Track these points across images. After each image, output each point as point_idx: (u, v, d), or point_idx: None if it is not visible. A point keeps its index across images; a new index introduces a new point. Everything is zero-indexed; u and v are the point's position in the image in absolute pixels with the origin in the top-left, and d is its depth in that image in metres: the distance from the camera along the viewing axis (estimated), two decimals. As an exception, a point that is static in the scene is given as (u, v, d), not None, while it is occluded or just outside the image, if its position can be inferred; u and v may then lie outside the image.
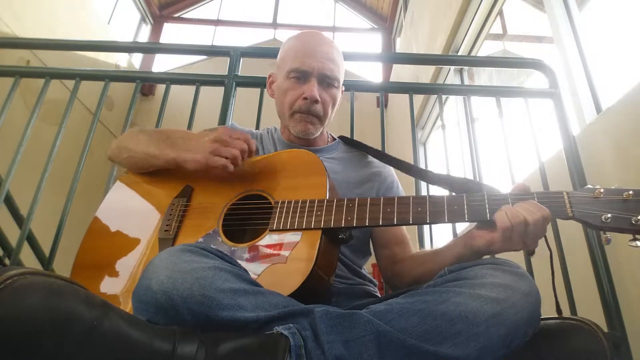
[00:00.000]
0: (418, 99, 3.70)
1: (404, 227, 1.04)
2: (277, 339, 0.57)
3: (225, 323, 0.60)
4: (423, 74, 3.87)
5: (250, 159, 1.00)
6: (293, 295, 0.70)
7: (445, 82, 3.41)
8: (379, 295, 0.99)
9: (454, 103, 3.17)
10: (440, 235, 3.02)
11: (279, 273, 0.75)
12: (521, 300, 0.63)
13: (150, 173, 1.01)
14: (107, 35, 5.16)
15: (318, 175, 0.87)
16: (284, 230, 0.81)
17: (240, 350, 0.56)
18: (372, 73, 6.55)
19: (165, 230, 0.90)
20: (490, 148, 2.22)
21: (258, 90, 1.53)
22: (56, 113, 1.82)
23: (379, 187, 1.07)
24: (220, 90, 1.54)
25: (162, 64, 6.44)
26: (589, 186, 0.72)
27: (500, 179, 2.33)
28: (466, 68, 3.24)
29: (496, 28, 2.89)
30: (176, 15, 7.04)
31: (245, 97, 1.71)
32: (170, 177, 0.99)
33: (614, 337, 1.13)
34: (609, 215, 0.67)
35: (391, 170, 1.13)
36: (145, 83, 1.93)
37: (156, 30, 6.78)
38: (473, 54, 3.02)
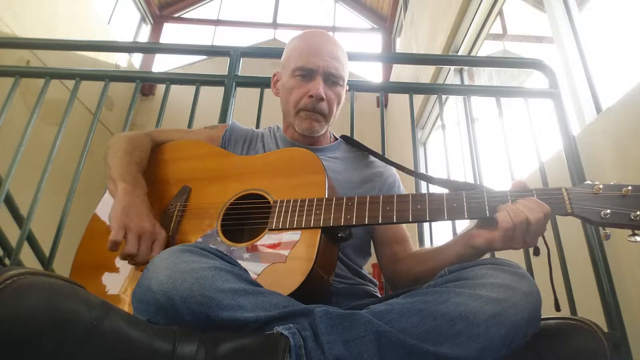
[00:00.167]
0: (418, 99, 3.70)
1: (404, 225, 1.04)
2: (277, 339, 0.57)
3: (225, 323, 0.60)
4: (423, 74, 3.87)
5: (250, 158, 1.00)
6: (293, 294, 0.71)
7: (445, 82, 3.41)
8: (379, 296, 0.99)
9: (454, 103, 3.17)
10: (441, 234, 3.02)
11: (279, 272, 0.75)
12: (522, 301, 0.62)
13: (148, 173, 1.01)
14: (107, 35, 5.16)
15: (317, 174, 0.87)
16: (283, 229, 0.81)
17: (240, 350, 0.56)
18: (372, 73, 6.56)
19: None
20: (490, 148, 2.22)
21: (258, 90, 1.53)
22: (56, 113, 1.82)
23: (380, 187, 1.07)
24: (220, 90, 1.54)
25: (162, 64, 6.44)
26: (588, 182, 0.72)
27: (500, 179, 2.33)
28: (466, 68, 3.24)
29: (496, 28, 2.89)
30: (176, 15, 7.04)
31: (245, 97, 1.71)
32: (169, 178, 0.99)
33: (614, 337, 1.13)
34: (608, 210, 0.67)
35: (393, 170, 1.13)
36: (145, 83, 1.93)
37: (156, 30, 6.78)
38: (473, 54, 3.02)
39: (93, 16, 4.97)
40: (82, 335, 0.50)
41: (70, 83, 1.59)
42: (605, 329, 1.14)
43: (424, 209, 0.76)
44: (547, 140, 1.74)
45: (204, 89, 1.59)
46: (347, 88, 1.13)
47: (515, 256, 0.83)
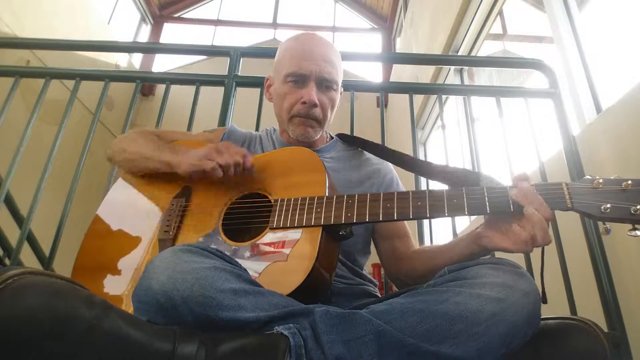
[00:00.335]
0: (418, 99, 3.70)
1: (406, 221, 1.04)
2: (277, 339, 0.57)
3: (225, 323, 0.60)
4: (423, 74, 3.87)
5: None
6: (294, 293, 0.71)
7: (445, 82, 3.41)
8: (379, 295, 0.99)
9: (454, 103, 3.17)
10: (440, 230, 3.02)
11: (280, 271, 0.75)
12: (521, 300, 0.62)
13: (149, 174, 1.01)
14: (107, 35, 5.16)
15: (317, 172, 0.87)
16: (284, 228, 0.81)
17: (240, 350, 0.56)
18: (372, 73, 6.56)
19: (165, 231, 0.90)
20: (490, 148, 2.22)
21: (258, 90, 1.53)
22: (56, 113, 1.82)
23: (379, 185, 1.07)
24: (220, 90, 1.54)
25: (162, 64, 6.44)
26: (588, 177, 0.71)
27: (500, 179, 2.33)
28: (466, 68, 3.24)
29: (496, 28, 2.89)
30: (176, 15, 7.04)
31: (245, 97, 1.71)
32: (170, 178, 0.99)
33: (614, 337, 1.13)
34: (608, 205, 0.66)
35: (390, 166, 1.13)
36: (145, 83, 1.93)
37: (156, 30, 6.78)
38: (473, 53, 3.02)
39: (93, 16, 4.97)
40: (82, 335, 0.50)
41: (70, 83, 1.59)
42: (605, 329, 1.14)
43: (424, 206, 0.76)
44: (547, 140, 1.74)
45: (204, 89, 1.59)
46: (342, 90, 1.13)
47: (515, 256, 0.83)
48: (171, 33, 6.87)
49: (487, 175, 0.85)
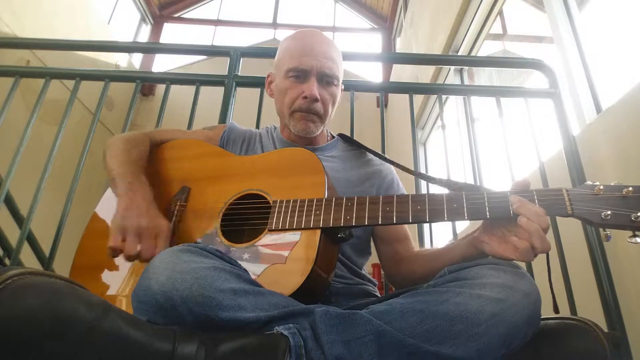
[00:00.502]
0: (418, 99, 3.70)
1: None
2: (277, 339, 0.57)
3: (225, 323, 0.60)
4: (423, 74, 3.87)
5: (249, 157, 1.00)
6: (293, 295, 0.70)
7: (445, 82, 3.41)
8: (379, 295, 0.98)
9: (454, 103, 3.17)
10: (441, 233, 3.02)
11: (279, 273, 0.75)
12: (521, 301, 0.62)
13: (148, 173, 1.00)
14: (107, 35, 5.16)
15: (316, 174, 0.87)
16: (283, 230, 0.80)
17: (240, 350, 0.56)
18: (372, 73, 6.56)
19: (164, 231, 0.89)
20: (490, 148, 2.22)
21: (258, 90, 1.53)
22: (56, 113, 1.82)
23: (379, 185, 1.07)
24: (220, 90, 1.54)
25: (162, 64, 6.44)
26: (589, 182, 0.71)
27: (500, 179, 2.34)
28: (466, 68, 3.24)
29: (496, 28, 2.89)
30: (176, 15, 7.04)
31: (245, 97, 1.71)
32: (168, 177, 0.99)
33: (614, 337, 1.13)
34: (609, 212, 0.66)
35: (391, 168, 1.13)
36: (145, 83, 1.93)
37: (156, 30, 6.78)
38: (473, 53, 3.02)
39: (93, 16, 4.97)
40: (82, 335, 0.50)
41: (70, 83, 1.59)
42: (605, 329, 1.14)
43: (424, 210, 0.75)
44: (547, 140, 1.74)
45: (204, 89, 1.59)
46: (343, 87, 1.13)
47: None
48: (171, 33, 6.87)
49: (489, 189, 0.85)
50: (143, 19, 6.61)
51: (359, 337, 0.59)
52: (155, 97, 5.97)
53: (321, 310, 0.61)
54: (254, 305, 0.62)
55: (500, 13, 2.78)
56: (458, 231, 1.34)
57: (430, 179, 1.02)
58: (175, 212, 0.92)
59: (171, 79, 1.64)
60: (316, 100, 1.00)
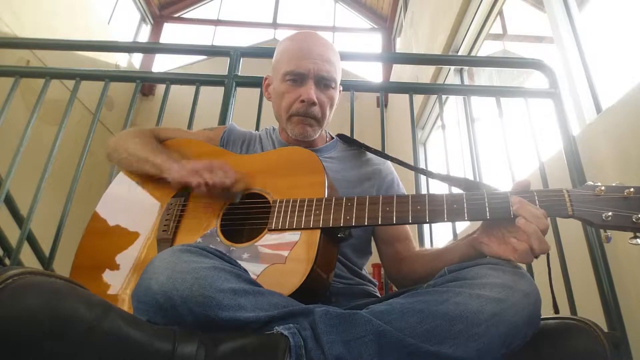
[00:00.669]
0: (418, 99, 3.70)
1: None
2: (277, 339, 0.57)
3: (225, 323, 0.60)
4: (423, 74, 3.87)
5: (249, 157, 1.00)
6: (292, 295, 0.70)
7: (445, 82, 3.41)
8: (379, 295, 0.98)
9: (454, 103, 3.17)
10: (441, 233, 3.01)
11: (278, 273, 0.75)
12: (521, 300, 0.62)
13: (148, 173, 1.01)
14: (107, 35, 5.16)
15: (316, 173, 0.87)
16: (283, 229, 0.80)
17: (240, 350, 0.56)
18: (372, 73, 6.55)
19: (164, 231, 0.89)
20: (490, 148, 2.22)
21: (258, 90, 1.53)
22: (56, 113, 1.82)
23: (379, 185, 1.07)
24: (220, 90, 1.54)
25: (162, 64, 6.44)
26: (590, 183, 0.71)
27: (500, 179, 2.33)
28: (466, 68, 3.24)
29: (496, 28, 2.88)
30: (176, 15, 7.04)
31: (245, 97, 1.71)
32: None
33: (614, 337, 1.13)
34: (610, 213, 0.66)
35: (390, 167, 1.13)
36: (145, 83, 1.93)
37: (156, 30, 6.77)
38: (473, 53, 3.02)
39: (93, 16, 4.97)
40: (82, 335, 0.50)
41: (70, 83, 1.59)
42: (605, 329, 1.14)
43: (424, 210, 0.75)
44: (547, 140, 1.74)
45: (204, 89, 1.59)
46: (342, 89, 1.12)
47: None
48: (171, 33, 6.87)
49: (488, 185, 0.85)
50: (143, 19, 6.61)
51: (359, 337, 0.58)
52: (155, 97, 5.97)
53: (321, 310, 0.61)
54: (254, 305, 0.62)
55: (500, 13, 2.78)
56: (458, 230, 1.34)
57: (430, 174, 1.02)
58: (175, 211, 0.92)
59: (171, 79, 1.64)
60: (314, 104, 1.00)
